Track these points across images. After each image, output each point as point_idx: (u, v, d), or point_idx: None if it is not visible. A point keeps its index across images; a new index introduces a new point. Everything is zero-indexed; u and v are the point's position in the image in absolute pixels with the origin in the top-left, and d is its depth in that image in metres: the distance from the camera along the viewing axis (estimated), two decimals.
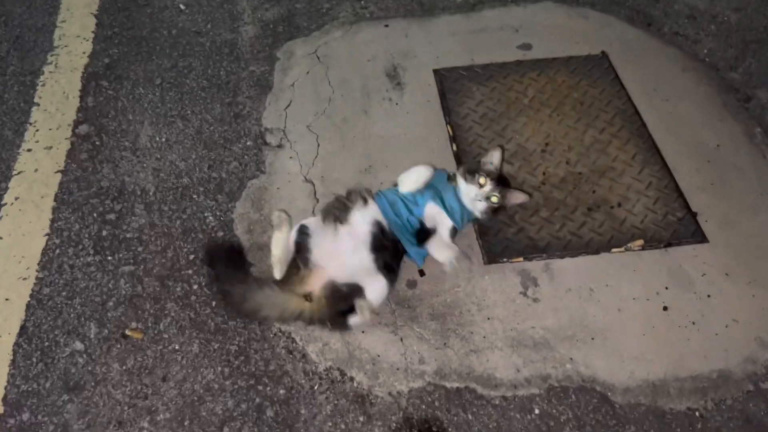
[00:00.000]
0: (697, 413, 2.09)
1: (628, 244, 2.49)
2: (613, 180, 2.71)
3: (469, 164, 2.42)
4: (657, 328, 2.28)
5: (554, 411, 2.09)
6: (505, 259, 2.46)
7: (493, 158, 2.35)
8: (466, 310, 2.34)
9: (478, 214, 2.34)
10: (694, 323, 2.29)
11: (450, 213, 2.31)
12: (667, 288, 2.38)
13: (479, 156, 2.80)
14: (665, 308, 2.33)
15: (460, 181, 2.34)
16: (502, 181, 2.33)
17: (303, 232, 2.25)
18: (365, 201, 2.30)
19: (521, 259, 2.46)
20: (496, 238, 2.51)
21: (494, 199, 2.29)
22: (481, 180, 2.29)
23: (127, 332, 2.27)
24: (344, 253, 2.19)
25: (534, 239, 2.52)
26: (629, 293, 2.37)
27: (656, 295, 2.36)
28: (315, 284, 2.16)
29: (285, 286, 2.20)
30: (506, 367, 2.19)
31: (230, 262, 2.35)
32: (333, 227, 2.24)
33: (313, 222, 2.31)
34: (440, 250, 2.33)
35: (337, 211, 2.28)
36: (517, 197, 2.32)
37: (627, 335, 2.26)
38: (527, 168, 2.76)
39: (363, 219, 2.25)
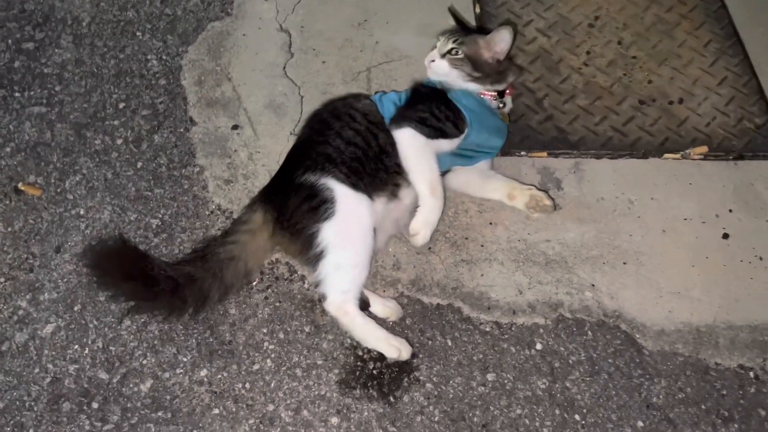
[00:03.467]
0: (751, 373, 1.57)
1: (687, 150, 1.90)
2: (677, 70, 2.08)
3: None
4: (711, 259, 1.73)
5: (562, 349, 1.57)
6: (523, 152, 1.88)
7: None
8: (463, 210, 1.78)
9: (465, 86, 1.69)
10: (761, 259, 1.73)
11: (473, 116, 1.64)
12: (730, 211, 1.81)
13: (505, 22, 2.18)
14: (725, 236, 1.76)
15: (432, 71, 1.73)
16: (464, 32, 1.74)
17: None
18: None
19: (545, 153, 1.88)
20: (515, 126, 1.92)
21: (456, 53, 1.67)
22: (436, 43, 1.72)
23: (22, 186, 1.75)
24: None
25: (565, 131, 1.93)
26: (680, 212, 1.80)
27: (715, 218, 1.80)
28: None
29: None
30: (505, 287, 1.66)
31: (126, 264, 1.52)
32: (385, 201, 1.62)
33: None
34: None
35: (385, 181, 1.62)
36: (494, 39, 1.67)
37: (670, 264, 1.71)
38: (567, 44, 2.13)
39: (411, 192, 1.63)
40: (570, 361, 1.56)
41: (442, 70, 1.67)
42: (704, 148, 1.90)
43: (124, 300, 1.51)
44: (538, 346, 1.58)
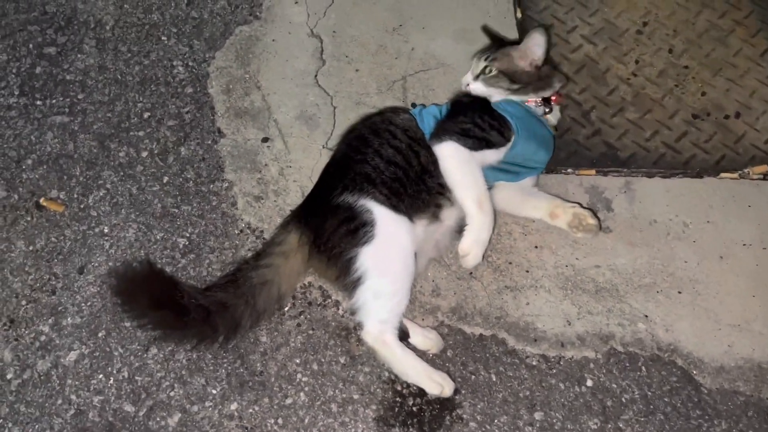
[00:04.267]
0: None
1: (746, 170, 1.78)
2: (732, 81, 1.96)
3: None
4: None
5: (614, 386, 1.47)
6: (570, 170, 1.78)
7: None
8: (506, 232, 1.68)
9: (509, 98, 1.60)
10: None
11: (519, 123, 1.54)
12: None
13: (549, 30, 2.06)
14: None
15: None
16: (497, 47, 1.66)
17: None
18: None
19: (593, 171, 1.77)
20: (561, 140, 1.81)
21: (490, 71, 1.59)
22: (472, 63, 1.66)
23: (43, 202, 1.67)
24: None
25: (614, 147, 1.82)
26: (739, 236, 1.69)
27: None
28: None
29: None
30: (553, 316, 1.56)
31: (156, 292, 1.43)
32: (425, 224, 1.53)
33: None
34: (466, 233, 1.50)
35: (427, 203, 1.52)
36: (527, 46, 1.58)
37: (729, 294, 1.60)
38: (614, 52, 2.01)
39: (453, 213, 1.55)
40: (623, 400, 1.46)
41: (479, 92, 1.58)
42: (764, 167, 1.78)
43: (152, 329, 1.43)
44: (589, 383, 1.48)
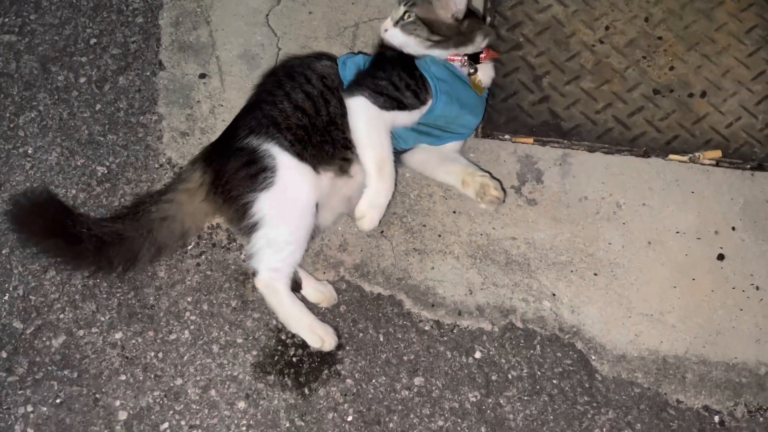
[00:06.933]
0: (716, 417, 1.39)
1: (697, 153, 1.66)
2: (707, 57, 1.81)
3: None
4: (698, 281, 1.52)
5: (503, 361, 1.43)
6: (507, 136, 1.69)
7: None
8: (426, 194, 1.63)
9: (429, 53, 1.51)
10: (757, 288, 1.52)
11: (441, 86, 1.47)
12: (733, 228, 1.58)
13: None
14: (721, 257, 1.55)
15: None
16: None
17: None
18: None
19: (531, 140, 1.69)
20: (504, 104, 1.72)
21: (409, 16, 1.49)
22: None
23: None
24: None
25: (559, 116, 1.72)
26: (673, 223, 1.59)
27: (713, 236, 1.58)
28: None
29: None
30: (456, 284, 1.51)
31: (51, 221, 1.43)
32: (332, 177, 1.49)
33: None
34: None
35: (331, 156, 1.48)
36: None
37: (649, 282, 1.52)
38: (585, 16, 1.88)
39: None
40: (509, 376, 1.41)
41: (397, 40, 1.50)
42: (717, 153, 1.65)
43: (47, 257, 1.45)
44: (478, 355, 1.44)
